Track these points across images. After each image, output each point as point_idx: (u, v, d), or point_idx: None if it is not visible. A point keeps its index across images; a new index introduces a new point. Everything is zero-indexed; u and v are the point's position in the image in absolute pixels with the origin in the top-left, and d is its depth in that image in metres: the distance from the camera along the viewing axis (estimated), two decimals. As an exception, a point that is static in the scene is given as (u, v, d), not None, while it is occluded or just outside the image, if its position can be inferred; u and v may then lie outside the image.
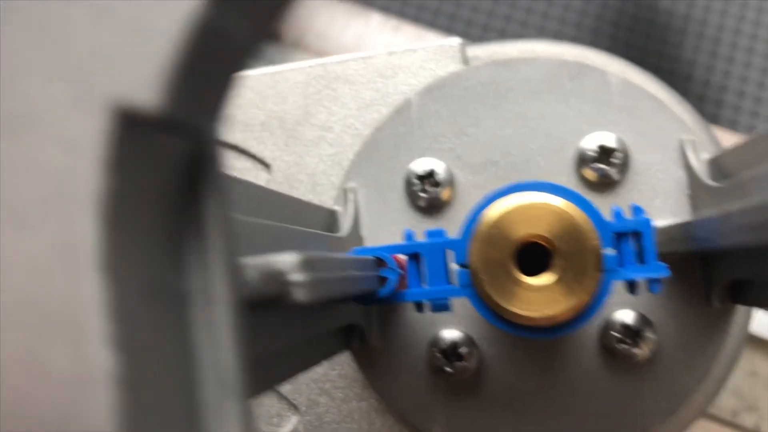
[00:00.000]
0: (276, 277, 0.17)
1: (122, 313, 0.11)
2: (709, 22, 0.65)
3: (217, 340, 0.14)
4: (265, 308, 0.17)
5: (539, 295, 0.24)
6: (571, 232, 0.24)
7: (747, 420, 0.50)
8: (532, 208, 0.25)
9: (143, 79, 0.11)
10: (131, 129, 0.11)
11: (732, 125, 0.64)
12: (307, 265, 0.18)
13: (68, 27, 0.11)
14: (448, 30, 0.66)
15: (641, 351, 0.29)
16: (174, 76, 0.11)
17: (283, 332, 0.21)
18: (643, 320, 0.30)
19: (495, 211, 0.25)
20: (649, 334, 0.30)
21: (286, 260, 0.17)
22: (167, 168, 0.13)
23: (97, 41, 0.11)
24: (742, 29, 0.64)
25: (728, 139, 0.55)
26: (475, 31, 0.67)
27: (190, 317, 0.14)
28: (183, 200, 0.13)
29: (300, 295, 0.17)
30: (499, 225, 0.25)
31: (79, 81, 0.11)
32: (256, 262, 0.16)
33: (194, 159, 0.13)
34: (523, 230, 0.25)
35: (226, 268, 0.14)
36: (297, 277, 0.17)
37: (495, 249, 0.25)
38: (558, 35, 0.66)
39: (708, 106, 0.63)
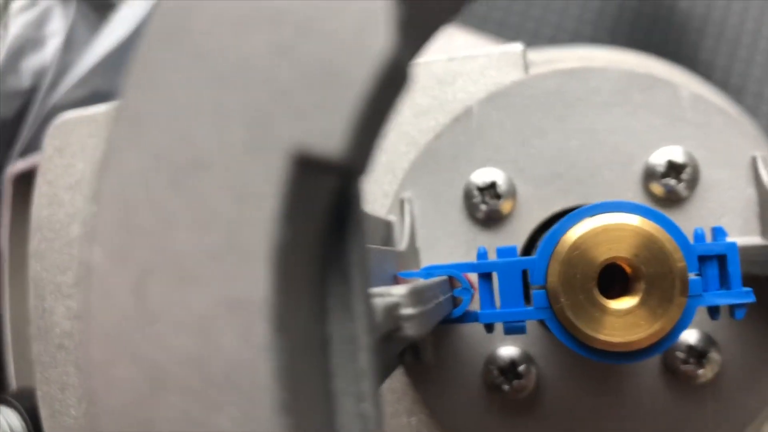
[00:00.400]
0: (392, 313, 0.16)
1: (291, 375, 0.10)
2: (727, 24, 0.64)
3: (361, 392, 0.13)
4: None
5: (622, 320, 0.24)
6: (657, 255, 0.24)
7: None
8: (617, 230, 0.24)
9: (330, 127, 0.10)
10: (307, 176, 0.10)
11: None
12: (416, 296, 0.17)
13: (248, 68, 0.10)
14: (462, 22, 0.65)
15: (705, 372, 0.29)
16: (359, 123, 0.10)
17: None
18: (709, 340, 0.29)
19: (577, 231, 0.24)
20: (713, 355, 0.29)
21: (398, 293, 0.16)
22: (324, 211, 0.12)
23: (278, 84, 0.10)
24: (762, 32, 0.64)
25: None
26: (490, 26, 0.66)
27: (332, 365, 0.13)
28: (329, 243, 0.12)
29: (411, 330, 0.16)
30: (581, 247, 0.24)
31: (256, 125, 0.10)
32: (377, 300, 0.15)
33: (343, 197, 0.12)
34: (607, 253, 0.24)
35: (366, 311, 0.13)
36: (409, 310, 0.16)
37: (576, 271, 0.24)
38: (576, 33, 0.65)
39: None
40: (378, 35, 0.10)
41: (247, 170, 0.10)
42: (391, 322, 0.16)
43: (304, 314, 0.11)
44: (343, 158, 0.10)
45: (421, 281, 0.21)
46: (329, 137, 0.10)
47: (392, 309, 0.16)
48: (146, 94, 0.10)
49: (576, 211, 0.24)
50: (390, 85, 0.10)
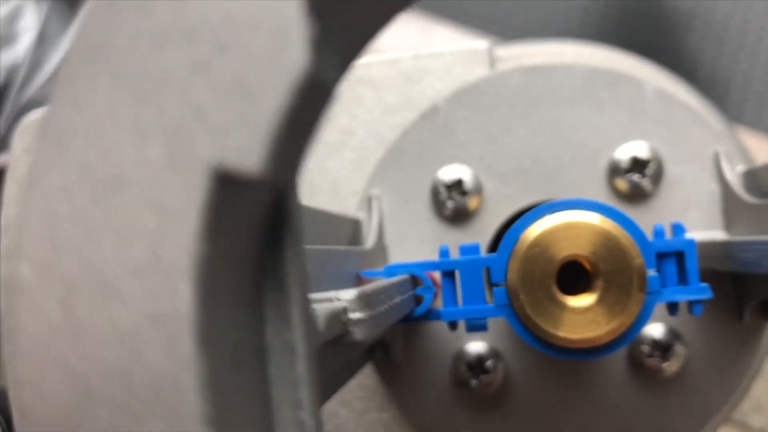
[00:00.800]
0: (339, 317, 0.16)
1: (216, 387, 0.11)
2: (713, 19, 0.64)
3: (298, 400, 0.13)
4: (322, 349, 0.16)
5: (581, 317, 0.24)
6: (615, 252, 0.24)
7: (755, 420, 0.49)
8: (575, 227, 0.24)
9: (247, 143, 0.10)
10: (226, 192, 0.11)
11: (737, 119, 0.63)
12: (364, 300, 0.17)
13: (166, 85, 0.10)
14: (441, 15, 0.65)
15: (670, 365, 0.29)
16: (276, 138, 0.10)
17: (327, 364, 0.20)
18: (673, 334, 0.29)
19: (536, 229, 0.24)
20: (678, 348, 0.29)
21: (345, 297, 0.17)
22: (251, 224, 0.12)
23: (196, 101, 0.10)
24: (748, 26, 0.64)
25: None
26: (476, 21, 0.66)
27: (270, 373, 0.13)
28: (263, 254, 0.13)
29: (359, 335, 0.17)
30: (540, 244, 0.24)
31: (175, 142, 0.10)
32: (321, 306, 0.16)
33: (275, 209, 0.13)
34: (566, 250, 0.24)
35: (303, 319, 0.13)
36: (356, 315, 0.17)
37: (536, 269, 0.24)
38: (563, 29, 0.65)
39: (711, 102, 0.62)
40: (291, 52, 0.10)
41: (166, 186, 0.10)
42: (338, 327, 0.16)
43: (233, 325, 0.12)
44: (262, 173, 0.10)
45: (374, 283, 0.21)
46: (246, 153, 0.10)
47: (339, 314, 0.16)
48: (69, 111, 0.11)
49: (535, 209, 0.25)
50: (308, 100, 0.11)
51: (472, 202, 0.30)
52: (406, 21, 0.60)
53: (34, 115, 0.34)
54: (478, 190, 0.30)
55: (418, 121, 0.31)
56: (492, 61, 0.31)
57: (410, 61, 0.32)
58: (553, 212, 0.24)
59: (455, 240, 0.30)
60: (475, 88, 0.30)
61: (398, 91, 0.32)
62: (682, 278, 0.24)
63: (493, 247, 0.30)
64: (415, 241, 0.30)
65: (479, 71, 0.31)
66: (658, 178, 0.29)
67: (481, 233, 0.30)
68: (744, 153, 0.31)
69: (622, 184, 0.29)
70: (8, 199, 0.34)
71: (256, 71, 0.10)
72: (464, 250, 0.25)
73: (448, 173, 0.30)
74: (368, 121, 0.32)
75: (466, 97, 0.30)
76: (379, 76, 0.32)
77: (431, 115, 0.31)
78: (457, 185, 0.30)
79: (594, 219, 0.24)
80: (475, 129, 0.30)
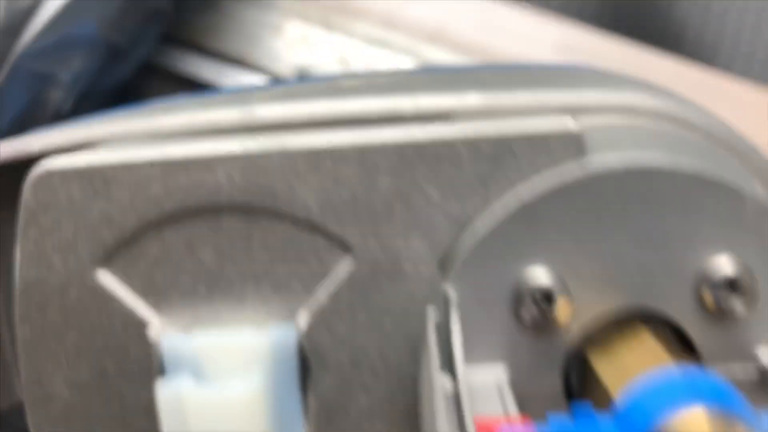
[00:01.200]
0: None
1: None
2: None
3: None
4: None
5: None
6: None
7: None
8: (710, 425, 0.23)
9: None
10: None
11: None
12: None
13: None
14: None
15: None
16: None
17: None
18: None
19: (675, 423, 0.23)
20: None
21: None
22: None
23: None
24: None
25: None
26: None
27: None
28: None
29: None
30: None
31: None
32: None
33: None
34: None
35: None
36: None
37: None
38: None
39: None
40: None
41: None
42: None
43: None
44: None
45: None
46: None
47: None
48: None
49: (667, 397, 0.23)
50: None
51: (556, 310, 0.28)
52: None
53: (50, 165, 0.29)
54: (564, 296, 0.28)
55: (498, 213, 0.28)
56: (582, 147, 0.28)
57: (490, 141, 0.28)
58: (680, 404, 0.23)
59: (533, 349, 0.28)
60: (567, 188, 0.28)
61: (476, 171, 0.29)
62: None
63: (570, 359, 0.29)
64: (488, 348, 0.29)
65: (569, 157, 0.28)
66: (752, 298, 0.28)
67: (562, 343, 0.29)
68: None
69: (711, 301, 0.28)
70: (24, 259, 0.30)
71: None
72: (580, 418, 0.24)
73: (534, 277, 0.28)
74: (441, 201, 0.29)
75: (555, 195, 0.28)
76: (455, 154, 0.28)
77: (514, 207, 0.28)
78: (542, 291, 0.28)
79: (725, 416, 0.23)
80: (563, 230, 0.28)
